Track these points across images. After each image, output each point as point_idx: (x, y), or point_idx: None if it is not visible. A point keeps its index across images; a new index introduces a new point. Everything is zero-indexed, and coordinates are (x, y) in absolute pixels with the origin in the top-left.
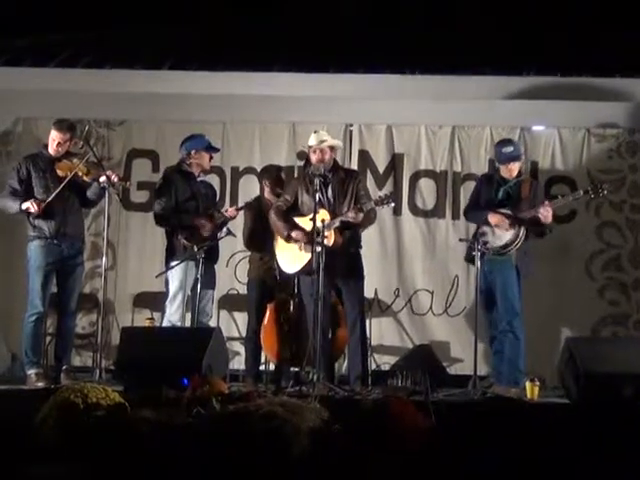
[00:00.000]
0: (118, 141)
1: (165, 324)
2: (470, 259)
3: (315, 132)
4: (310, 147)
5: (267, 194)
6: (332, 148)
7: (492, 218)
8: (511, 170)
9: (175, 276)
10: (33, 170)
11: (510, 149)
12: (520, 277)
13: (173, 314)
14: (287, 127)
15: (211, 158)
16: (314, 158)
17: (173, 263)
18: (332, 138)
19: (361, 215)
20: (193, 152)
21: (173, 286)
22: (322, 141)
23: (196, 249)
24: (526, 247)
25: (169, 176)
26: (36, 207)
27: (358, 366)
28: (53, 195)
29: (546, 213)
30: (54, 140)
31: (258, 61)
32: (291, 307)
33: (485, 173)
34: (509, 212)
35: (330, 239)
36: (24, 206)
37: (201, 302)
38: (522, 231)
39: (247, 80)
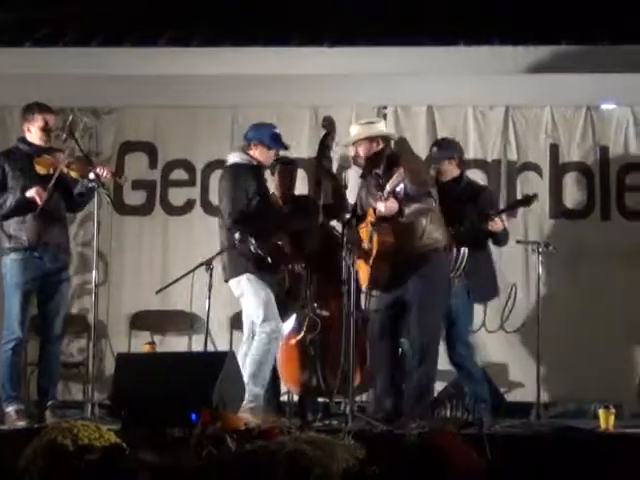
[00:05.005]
0: (108, 132)
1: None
2: None
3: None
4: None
5: (274, 189)
6: (372, 138)
7: None
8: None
9: (251, 290)
10: (9, 168)
11: (434, 149)
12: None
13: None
14: (308, 111)
15: (276, 154)
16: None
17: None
18: (364, 122)
19: (391, 204)
20: (253, 144)
21: (257, 300)
22: (352, 142)
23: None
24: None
25: (238, 173)
26: (42, 197)
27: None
28: (51, 185)
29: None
30: (40, 124)
31: (273, 34)
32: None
33: None
34: None
35: (373, 244)
36: (29, 194)
37: None
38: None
39: (260, 57)
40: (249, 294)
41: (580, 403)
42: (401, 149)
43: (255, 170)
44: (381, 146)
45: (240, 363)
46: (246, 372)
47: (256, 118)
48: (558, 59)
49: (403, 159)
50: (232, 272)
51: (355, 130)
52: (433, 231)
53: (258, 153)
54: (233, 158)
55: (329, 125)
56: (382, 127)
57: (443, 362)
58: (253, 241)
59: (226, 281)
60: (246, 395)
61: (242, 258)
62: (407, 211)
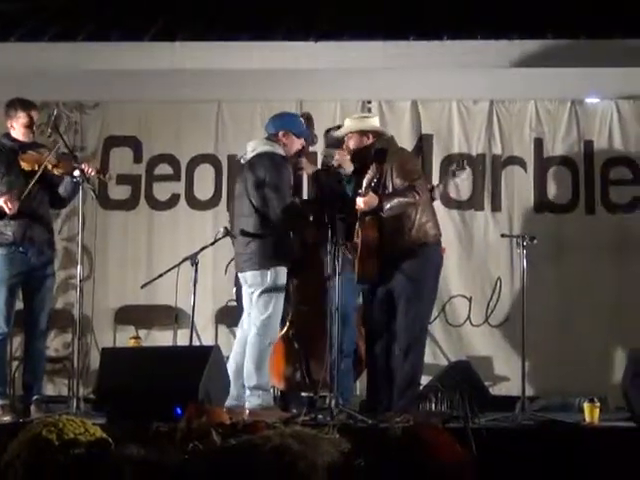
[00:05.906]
0: (93, 127)
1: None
2: None
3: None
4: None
5: None
6: (363, 132)
7: None
8: None
9: (273, 285)
10: None
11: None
12: None
13: None
14: (294, 105)
15: (302, 144)
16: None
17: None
18: (357, 117)
19: (369, 199)
20: (281, 133)
21: (275, 296)
22: (343, 134)
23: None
24: None
25: (281, 163)
26: (11, 205)
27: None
28: (28, 189)
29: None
30: (23, 121)
31: (258, 29)
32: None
33: None
34: None
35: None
36: None
37: None
38: None
39: (245, 51)
40: (271, 289)
41: (565, 397)
42: (389, 143)
43: (288, 160)
44: (371, 141)
45: (244, 357)
46: (251, 371)
47: (241, 113)
48: (542, 53)
49: (390, 153)
50: (257, 263)
51: (347, 123)
52: (423, 225)
53: (289, 142)
54: (264, 147)
55: (307, 121)
56: (375, 122)
57: (428, 356)
58: (292, 234)
59: (242, 271)
60: (257, 397)
61: (274, 250)
62: (387, 205)
